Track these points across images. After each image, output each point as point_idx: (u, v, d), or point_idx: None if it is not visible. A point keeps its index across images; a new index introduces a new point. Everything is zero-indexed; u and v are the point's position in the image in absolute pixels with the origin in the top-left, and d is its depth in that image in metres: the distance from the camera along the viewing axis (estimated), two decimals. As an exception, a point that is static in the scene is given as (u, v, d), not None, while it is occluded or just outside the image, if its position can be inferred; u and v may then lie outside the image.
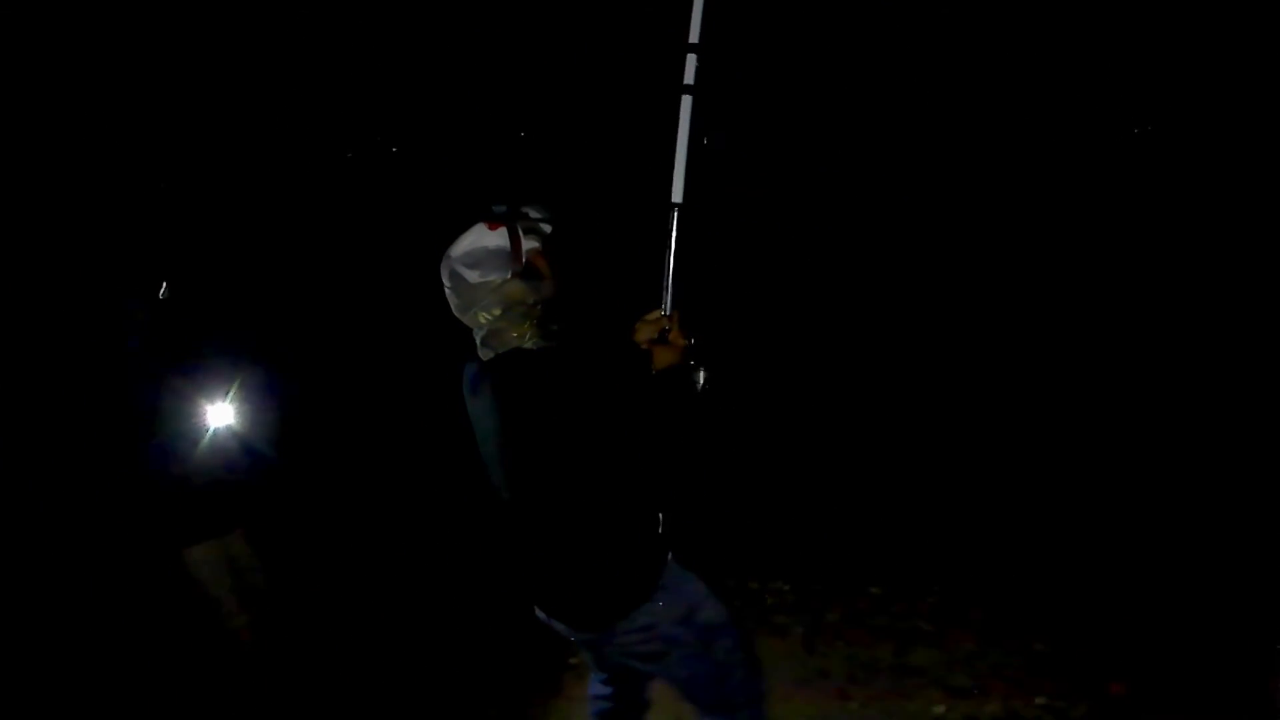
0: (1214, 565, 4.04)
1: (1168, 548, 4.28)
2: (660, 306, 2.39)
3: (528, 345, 2.24)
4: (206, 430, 3.32)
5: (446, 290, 2.29)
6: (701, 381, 2.34)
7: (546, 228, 2.31)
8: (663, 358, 2.33)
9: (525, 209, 2.32)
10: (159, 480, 3.32)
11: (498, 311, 2.24)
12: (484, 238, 2.26)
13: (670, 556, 2.42)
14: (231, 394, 3.39)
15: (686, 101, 2.47)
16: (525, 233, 2.27)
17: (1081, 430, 5.64)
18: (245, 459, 3.44)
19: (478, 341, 2.31)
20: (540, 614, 2.48)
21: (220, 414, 3.37)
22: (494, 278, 2.23)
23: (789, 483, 5.42)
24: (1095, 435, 5.54)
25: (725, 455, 5.48)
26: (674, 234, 2.42)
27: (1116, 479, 5.00)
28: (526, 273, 2.24)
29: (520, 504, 2.37)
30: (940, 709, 3.41)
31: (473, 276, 2.23)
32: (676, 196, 2.44)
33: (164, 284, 3.32)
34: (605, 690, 2.73)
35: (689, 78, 2.47)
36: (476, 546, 4.37)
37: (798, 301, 7.24)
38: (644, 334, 2.35)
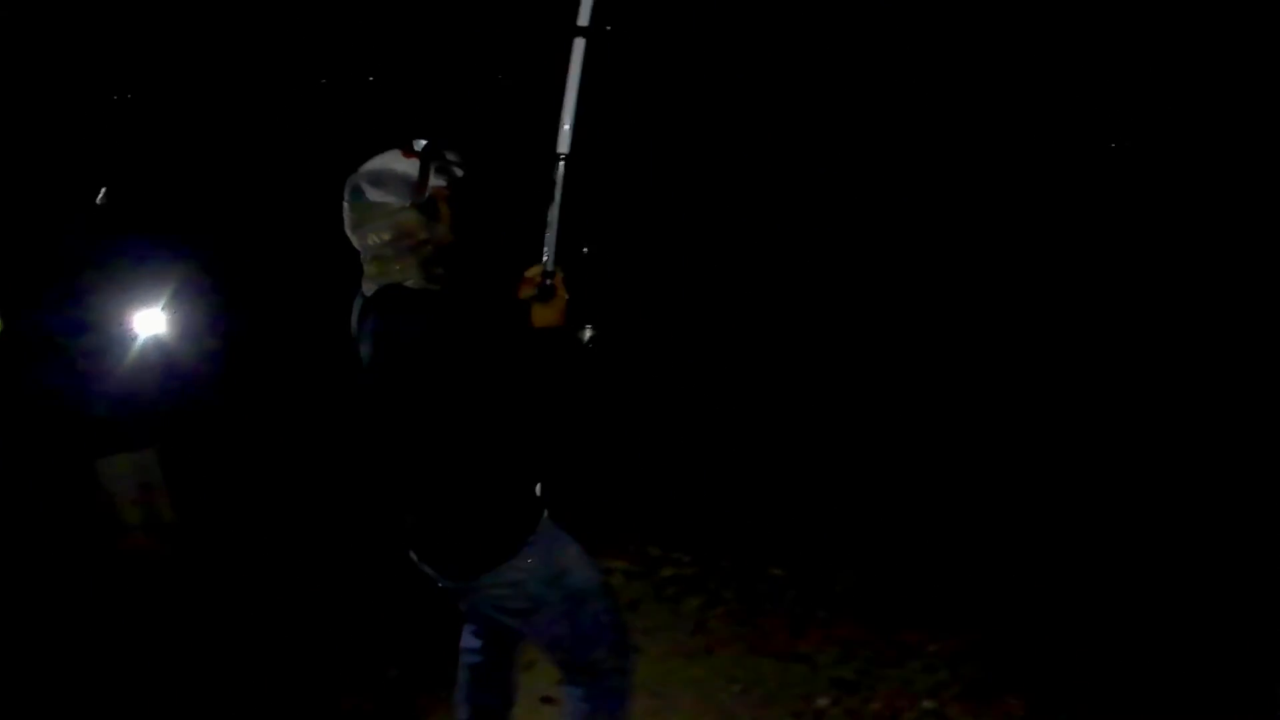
0: (1150, 565, 3.99)
1: (1107, 547, 4.20)
2: (543, 261, 2.29)
3: (409, 283, 2.21)
4: (134, 338, 3.28)
5: (344, 205, 2.25)
6: (587, 339, 2.33)
7: (459, 172, 2.26)
8: (542, 315, 2.27)
9: (444, 149, 2.27)
10: (80, 385, 3.26)
11: (387, 236, 2.20)
12: (394, 161, 2.23)
13: (546, 516, 2.37)
14: (165, 303, 3.32)
15: (579, 44, 2.32)
16: (436, 170, 2.23)
17: (1022, 411, 5.60)
18: (170, 373, 3.38)
19: (365, 274, 2.27)
20: (412, 555, 2.43)
21: (150, 322, 3.31)
22: (392, 200, 2.19)
23: (704, 453, 5.28)
24: (1041, 418, 5.50)
25: (629, 418, 5.38)
26: (559, 186, 2.32)
27: (1061, 470, 4.93)
28: (426, 207, 2.20)
29: (394, 444, 2.34)
30: (824, 702, 3.28)
31: (372, 195, 2.20)
32: (563, 147, 2.33)
33: (103, 189, 3.30)
34: (475, 643, 2.68)
35: (583, 18, 2.32)
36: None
37: (690, 255, 7.12)
38: (525, 290, 2.28)
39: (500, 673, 2.70)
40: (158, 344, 3.35)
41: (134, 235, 3.37)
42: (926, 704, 3.26)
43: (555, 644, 2.44)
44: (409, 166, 2.21)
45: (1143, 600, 3.76)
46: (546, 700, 3.15)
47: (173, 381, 3.41)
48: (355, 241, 2.26)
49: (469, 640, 2.68)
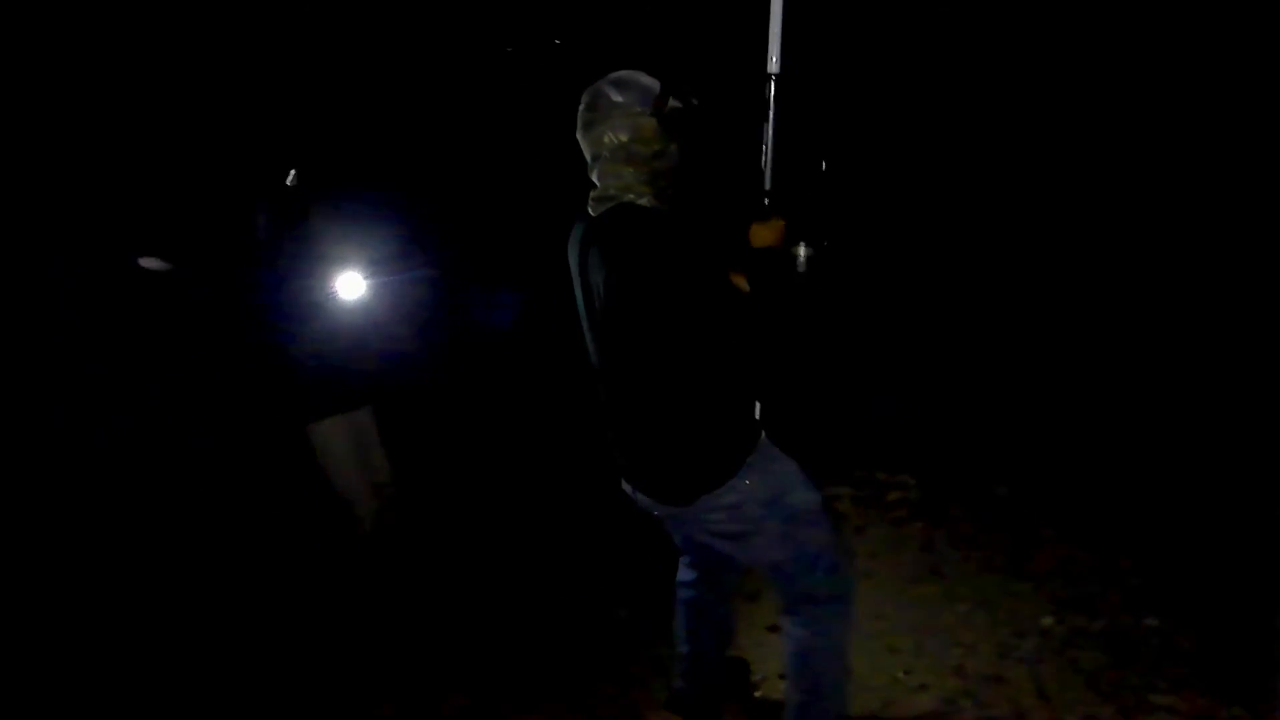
0: None
1: None
2: (762, 183, 2.36)
3: (642, 201, 2.26)
4: (336, 300, 3.37)
5: (581, 109, 2.30)
6: (803, 258, 2.38)
7: (695, 101, 2.30)
8: (760, 235, 2.33)
9: (683, 77, 2.32)
10: (288, 351, 3.38)
11: (624, 137, 2.24)
12: (639, 74, 2.29)
13: (764, 437, 2.42)
14: (366, 269, 3.42)
15: None
16: (675, 93, 2.28)
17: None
18: (373, 334, 3.46)
19: (591, 196, 2.33)
20: (626, 487, 2.53)
21: (351, 285, 3.40)
22: (635, 104, 2.24)
23: (922, 375, 5.33)
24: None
25: (850, 338, 5.43)
26: (772, 106, 2.36)
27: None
28: (665, 119, 2.25)
29: (614, 368, 2.39)
30: (1049, 620, 3.40)
31: (615, 95, 2.25)
32: (773, 67, 2.38)
33: (292, 171, 3.38)
34: (690, 575, 2.78)
35: None
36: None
37: (903, 175, 6.92)
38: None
39: (718, 605, 2.80)
40: (360, 307, 3.42)
41: (331, 203, 3.45)
42: (1150, 622, 3.33)
43: (774, 568, 2.47)
44: (652, 80, 2.24)
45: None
46: (773, 629, 3.29)
47: (378, 343, 3.48)
48: (587, 145, 2.27)
49: (684, 574, 2.78)
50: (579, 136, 2.30)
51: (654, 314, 2.22)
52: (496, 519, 4.33)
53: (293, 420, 3.49)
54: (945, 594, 3.62)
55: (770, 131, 2.37)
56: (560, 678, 3.30)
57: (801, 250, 2.41)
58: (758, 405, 2.55)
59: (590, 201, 2.33)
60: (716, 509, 2.37)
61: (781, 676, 3.08)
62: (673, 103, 2.23)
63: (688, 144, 2.27)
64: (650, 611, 3.51)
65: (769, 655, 3.25)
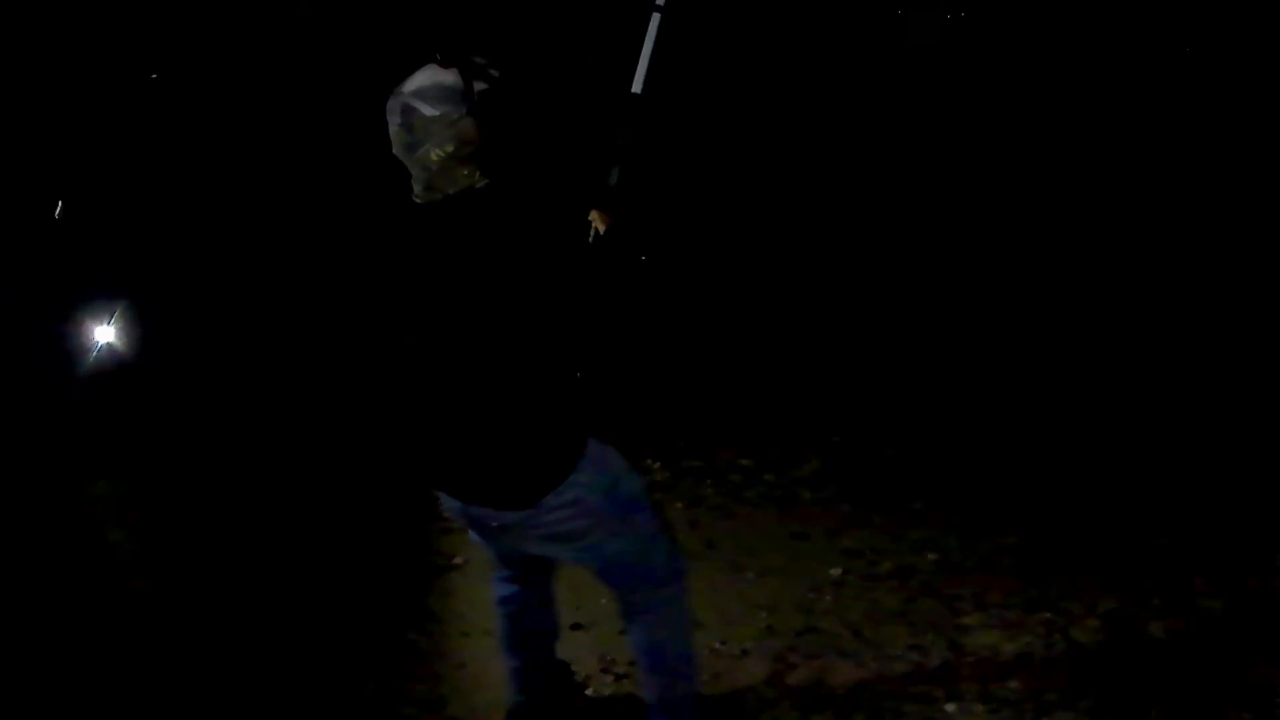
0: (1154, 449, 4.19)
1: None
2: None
3: (479, 185, 2.16)
4: (94, 348, 3.41)
5: (394, 128, 2.17)
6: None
7: (494, 73, 2.20)
8: (600, 218, 2.34)
9: (472, 54, 2.21)
10: (61, 405, 3.35)
11: (450, 149, 2.13)
12: (439, 75, 2.16)
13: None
14: (115, 317, 3.49)
15: None
16: (475, 76, 2.17)
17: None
18: (126, 381, 3.54)
19: (419, 187, 2.19)
20: (451, 504, 2.38)
21: (104, 334, 3.49)
22: (449, 111, 2.12)
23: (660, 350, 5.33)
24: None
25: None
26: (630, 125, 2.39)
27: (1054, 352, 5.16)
28: (478, 111, 2.14)
29: (449, 370, 2.23)
30: (837, 571, 3.47)
31: (428, 111, 2.12)
32: (636, 87, 2.42)
33: (59, 204, 3.33)
34: (510, 590, 2.68)
35: None
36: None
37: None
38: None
39: (543, 611, 2.74)
40: (112, 352, 3.52)
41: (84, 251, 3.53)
42: (931, 555, 3.51)
43: (616, 559, 2.41)
44: (454, 77, 2.15)
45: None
46: (576, 627, 3.18)
47: (130, 387, 3.55)
48: (413, 164, 2.18)
49: (503, 589, 2.68)
50: (399, 156, 2.19)
51: (498, 299, 2.13)
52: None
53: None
54: (728, 565, 3.60)
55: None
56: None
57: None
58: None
59: (420, 190, 2.20)
60: (558, 508, 2.27)
61: (604, 670, 3.08)
62: (479, 85, 2.15)
63: (507, 121, 2.19)
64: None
65: (582, 653, 3.12)
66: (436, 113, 2.11)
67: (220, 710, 2.99)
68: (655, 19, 2.57)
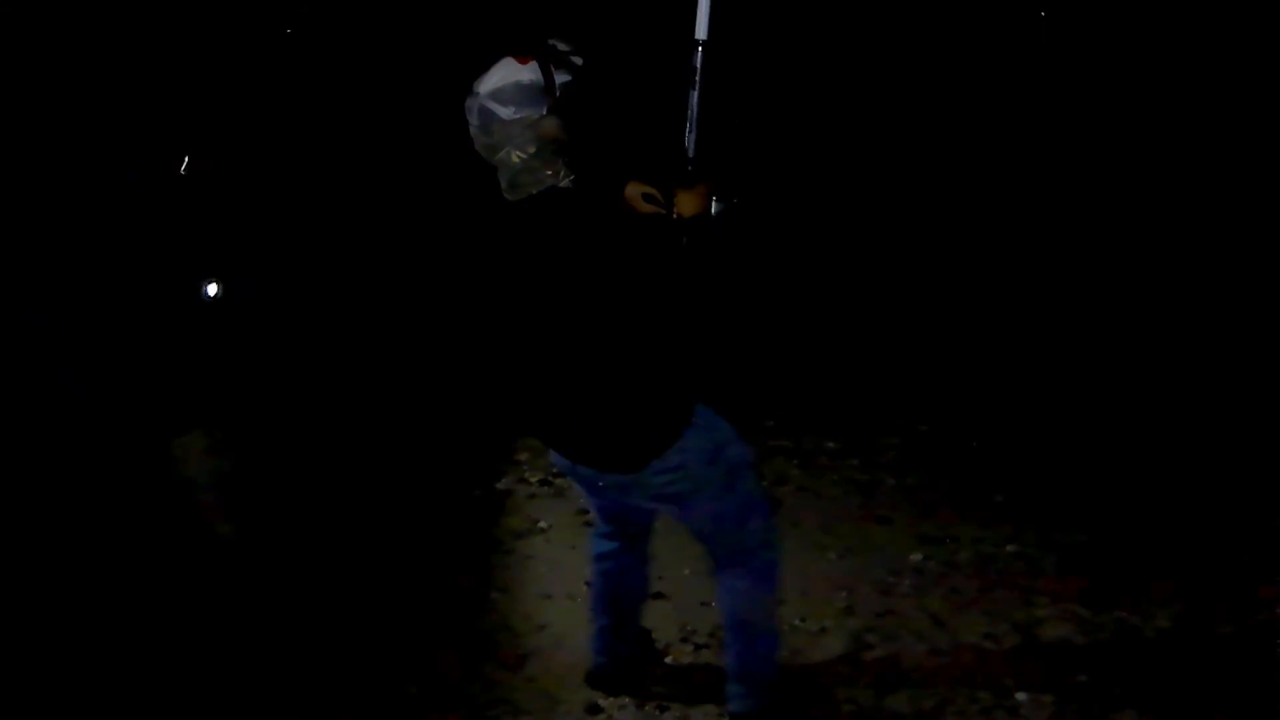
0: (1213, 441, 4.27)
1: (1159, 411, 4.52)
2: (685, 149, 2.33)
3: (563, 184, 2.19)
4: (202, 298, 3.38)
5: (473, 129, 2.19)
6: (715, 211, 2.33)
7: (578, 60, 2.21)
8: (687, 204, 2.31)
9: (554, 42, 2.21)
10: (156, 357, 3.30)
11: (532, 150, 2.15)
12: (515, 73, 2.16)
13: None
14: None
15: None
16: (556, 67, 2.17)
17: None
18: (232, 336, 3.50)
19: (504, 184, 2.23)
20: (561, 462, 2.49)
21: (213, 285, 3.45)
22: (529, 113, 2.14)
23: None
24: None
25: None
26: (699, 73, 2.32)
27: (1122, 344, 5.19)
28: (560, 108, 2.15)
29: (557, 349, 2.33)
30: (917, 557, 3.59)
31: (506, 113, 2.13)
32: (701, 33, 2.33)
33: (185, 158, 3.32)
34: (610, 545, 2.78)
35: None
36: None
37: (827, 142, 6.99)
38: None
39: (639, 570, 2.84)
40: (221, 304, 3.45)
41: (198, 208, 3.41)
42: (1010, 548, 3.61)
43: (716, 523, 2.50)
44: (531, 73, 2.13)
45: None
46: (659, 596, 3.28)
47: (234, 343, 3.51)
48: (495, 162, 2.20)
49: (602, 545, 2.78)
50: (481, 152, 2.21)
51: (596, 292, 2.19)
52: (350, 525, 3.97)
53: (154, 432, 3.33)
54: (811, 544, 3.72)
55: (695, 100, 2.33)
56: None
57: (713, 207, 2.37)
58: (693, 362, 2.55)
59: (506, 187, 2.23)
60: (664, 471, 2.36)
61: (684, 640, 3.20)
62: (560, 78, 2.15)
63: (592, 115, 2.21)
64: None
65: (663, 621, 3.24)
66: (516, 115, 2.12)
67: (312, 669, 3.08)
68: None
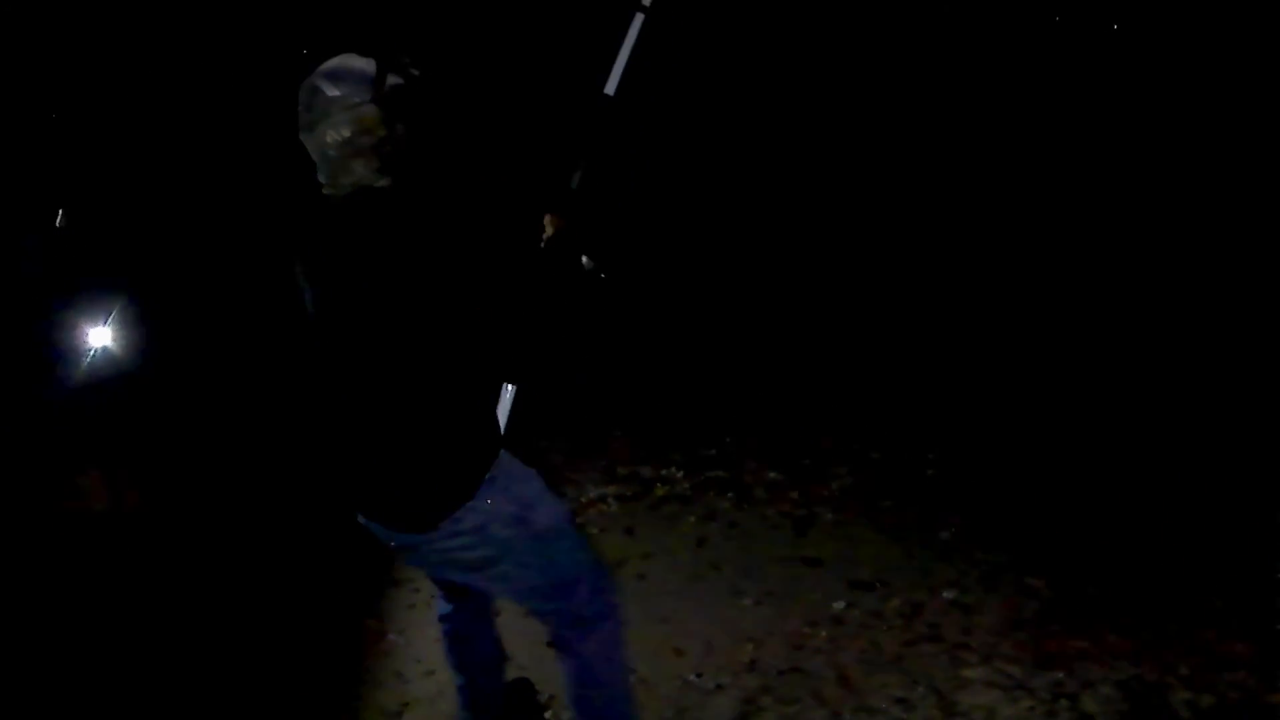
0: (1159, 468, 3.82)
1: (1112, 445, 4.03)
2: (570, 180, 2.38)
3: (378, 183, 2.00)
4: (89, 351, 3.42)
5: (299, 109, 2.04)
6: (588, 265, 2.30)
7: (414, 71, 2.07)
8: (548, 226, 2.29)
9: (399, 50, 2.09)
10: (54, 402, 3.38)
11: (346, 133, 2.00)
12: (353, 60, 2.04)
13: (502, 451, 2.15)
14: (111, 319, 3.50)
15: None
16: (393, 71, 2.04)
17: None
18: (120, 381, 3.56)
19: (322, 177, 2.05)
20: (360, 517, 2.20)
21: (100, 336, 3.52)
22: (352, 95, 2.00)
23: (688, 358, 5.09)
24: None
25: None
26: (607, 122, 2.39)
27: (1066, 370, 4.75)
28: (385, 103, 2.00)
29: (351, 373, 2.07)
30: (840, 605, 3.14)
31: (330, 90, 2.00)
32: (609, 88, 2.40)
33: (60, 213, 3.34)
34: (447, 607, 2.49)
35: None
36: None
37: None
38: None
39: (481, 635, 2.54)
40: (108, 355, 3.53)
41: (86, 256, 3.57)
42: (947, 594, 3.13)
43: (531, 594, 2.22)
44: (366, 64, 2.03)
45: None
46: (551, 644, 2.94)
47: (123, 387, 3.55)
48: (312, 148, 2.05)
49: (441, 606, 2.50)
50: (302, 139, 2.06)
51: (400, 304, 1.95)
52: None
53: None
54: (728, 589, 3.31)
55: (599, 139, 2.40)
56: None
57: (586, 259, 2.34)
58: (502, 416, 2.34)
59: (323, 182, 2.07)
60: (458, 534, 2.07)
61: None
62: (392, 80, 2.02)
63: (417, 120, 2.06)
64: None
65: (553, 672, 2.77)
66: (338, 93, 1.99)
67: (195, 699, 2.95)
68: (638, 20, 2.50)
